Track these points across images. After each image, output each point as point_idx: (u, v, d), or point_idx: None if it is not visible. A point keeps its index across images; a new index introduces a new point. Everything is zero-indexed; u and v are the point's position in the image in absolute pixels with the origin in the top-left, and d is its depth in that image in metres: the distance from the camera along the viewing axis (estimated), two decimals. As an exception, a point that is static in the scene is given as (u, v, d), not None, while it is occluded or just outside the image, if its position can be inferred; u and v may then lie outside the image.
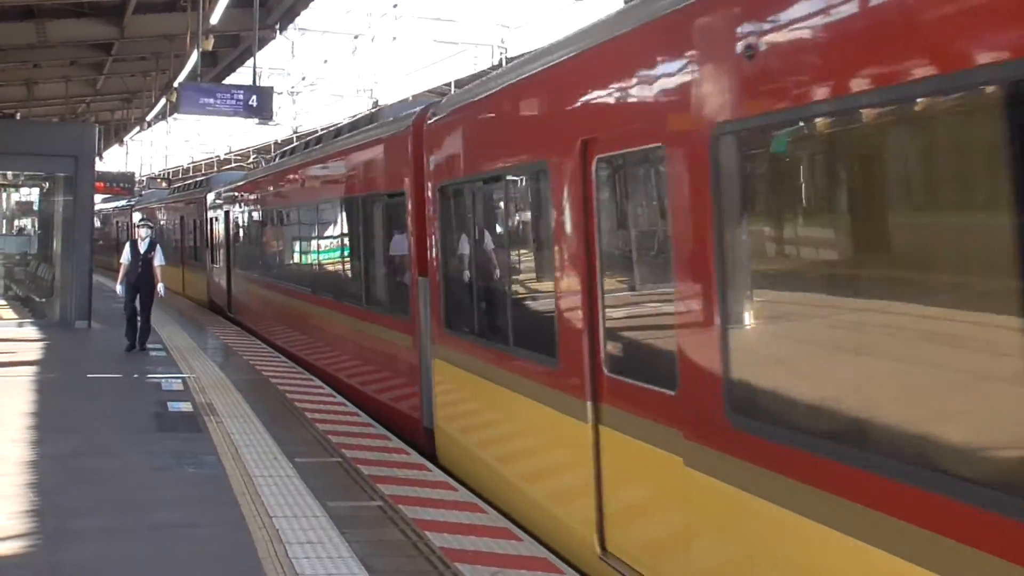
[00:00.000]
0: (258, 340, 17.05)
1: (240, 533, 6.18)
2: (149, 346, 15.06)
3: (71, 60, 23.14)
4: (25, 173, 21.06)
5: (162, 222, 30.94)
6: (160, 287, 14.96)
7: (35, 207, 22.99)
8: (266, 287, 17.08)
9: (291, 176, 15.24)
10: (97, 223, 43.89)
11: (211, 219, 22.99)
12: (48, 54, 21.36)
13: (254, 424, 9.63)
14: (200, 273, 24.62)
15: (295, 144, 17.05)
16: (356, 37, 27.18)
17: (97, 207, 43.94)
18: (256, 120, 17.97)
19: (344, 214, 12.13)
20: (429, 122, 8.76)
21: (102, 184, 36.39)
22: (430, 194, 8.63)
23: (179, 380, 12.26)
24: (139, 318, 14.94)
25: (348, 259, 12.09)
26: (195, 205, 25.21)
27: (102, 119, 35.25)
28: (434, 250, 8.57)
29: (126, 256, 15.01)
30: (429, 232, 8.70)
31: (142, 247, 15.01)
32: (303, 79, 32.01)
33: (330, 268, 13.02)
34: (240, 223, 19.87)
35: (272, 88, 17.94)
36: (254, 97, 16.38)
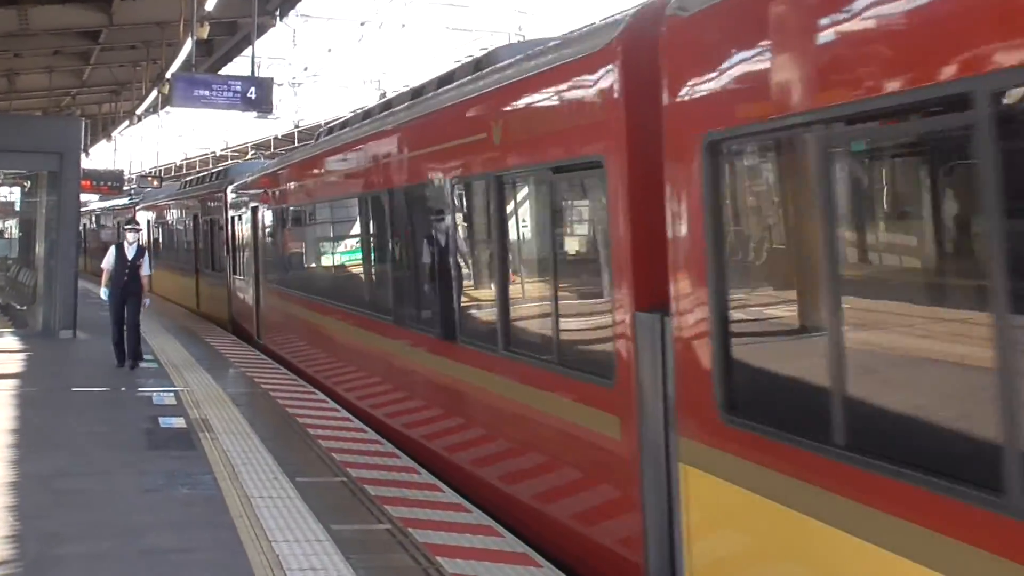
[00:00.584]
0: (301, 380, 14.07)
1: (237, 559, 6.20)
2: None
3: (55, 49, 23.29)
4: (5, 171, 21.25)
5: (171, 222, 29.44)
6: (146, 302, 14.73)
7: (16, 207, 23.18)
8: (317, 310, 13.66)
9: (356, 155, 11.76)
10: (92, 224, 44.32)
11: (232, 218, 20.63)
12: (30, 43, 21.50)
13: (252, 441, 9.66)
14: (218, 283, 22.31)
15: (348, 117, 14.52)
16: (362, 24, 27.35)
17: (94, 206, 44.43)
18: (255, 113, 18.02)
19: (455, 204, 8.62)
20: (672, 23, 5.31)
21: (88, 182, 36.67)
22: (677, 157, 5.23)
23: (171, 394, 12.33)
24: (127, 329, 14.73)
25: (464, 274, 8.62)
26: (212, 201, 23.05)
27: (88, 112, 35.49)
28: (688, 262, 5.17)
29: (109, 261, 14.52)
30: (674, 228, 5.29)
31: (129, 252, 14.52)
32: (305, 69, 32.26)
33: (428, 286, 9.49)
34: (275, 222, 16.71)
35: (272, 79, 17.98)
36: (252, 89, 16.41)
